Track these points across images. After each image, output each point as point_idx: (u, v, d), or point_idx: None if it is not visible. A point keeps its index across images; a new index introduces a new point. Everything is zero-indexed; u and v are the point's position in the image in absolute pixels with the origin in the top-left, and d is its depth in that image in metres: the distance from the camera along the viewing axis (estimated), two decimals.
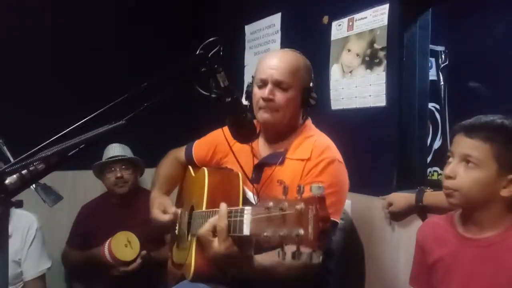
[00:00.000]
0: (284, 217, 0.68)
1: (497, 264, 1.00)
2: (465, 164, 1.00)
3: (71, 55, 2.16)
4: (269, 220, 0.71)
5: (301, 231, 0.63)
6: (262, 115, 1.27)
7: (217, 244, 0.93)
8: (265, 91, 1.26)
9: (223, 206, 0.95)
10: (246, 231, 0.81)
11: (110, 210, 2.06)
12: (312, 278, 1.17)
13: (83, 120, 0.84)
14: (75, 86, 2.12)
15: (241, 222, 0.82)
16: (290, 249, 0.66)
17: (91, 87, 2.08)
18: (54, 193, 0.72)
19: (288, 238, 0.65)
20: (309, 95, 1.29)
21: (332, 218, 1.18)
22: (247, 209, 0.82)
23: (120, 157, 2.03)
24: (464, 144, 1.01)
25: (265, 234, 0.71)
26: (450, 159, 1.04)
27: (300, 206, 0.65)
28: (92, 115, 0.84)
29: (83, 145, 0.77)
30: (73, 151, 0.75)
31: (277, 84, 1.26)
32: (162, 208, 1.37)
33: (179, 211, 1.38)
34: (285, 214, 0.67)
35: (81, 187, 2.23)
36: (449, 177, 1.02)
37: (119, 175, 2.00)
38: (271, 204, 0.71)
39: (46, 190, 0.70)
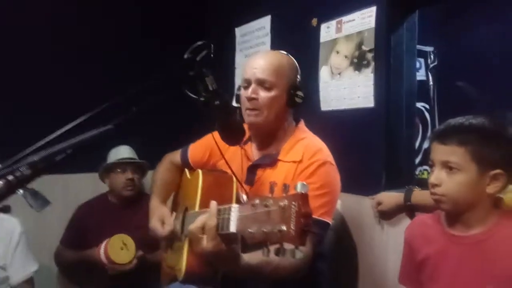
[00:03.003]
0: (268, 213, 0.69)
1: (484, 261, 1.02)
2: (447, 170, 1.03)
3: (59, 58, 2.15)
4: (254, 217, 0.73)
5: (284, 227, 0.65)
6: (248, 118, 1.28)
7: (205, 242, 0.94)
8: (249, 91, 1.27)
9: (213, 205, 0.96)
10: (233, 228, 0.82)
11: (108, 211, 2.06)
12: (304, 279, 1.18)
13: (72, 125, 0.85)
14: (63, 90, 2.10)
15: (228, 220, 0.84)
16: (274, 246, 0.68)
17: (80, 91, 2.07)
18: (41, 198, 0.73)
19: (271, 234, 0.67)
20: (294, 94, 1.29)
21: (324, 219, 1.20)
22: (235, 207, 0.84)
23: (134, 160, 2.05)
24: (441, 152, 1.04)
25: (249, 230, 0.73)
26: (433, 167, 1.07)
27: (284, 202, 0.66)
28: (80, 119, 0.85)
29: (70, 150, 0.77)
30: (61, 156, 0.76)
31: (260, 83, 1.27)
32: (161, 219, 1.37)
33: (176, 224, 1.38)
34: (270, 210, 0.69)
35: (72, 191, 2.22)
36: (435, 185, 1.05)
37: (130, 177, 2.02)
38: (257, 201, 0.73)
39: (33, 195, 0.71)
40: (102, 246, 1.86)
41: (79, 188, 2.22)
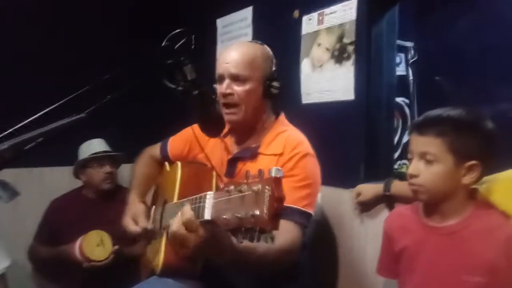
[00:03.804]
0: (242, 198, 0.69)
1: (459, 251, 1.04)
2: (425, 161, 1.04)
3: (31, 44, 2.08)
4: (229, 203, 0.72)
5: (257, 212, 0.64)
6: (226, 117, 1.25)
7: (191, 237, 0.90)
8: (223, 86, 1.25)
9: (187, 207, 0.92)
10: (207, 215, 0.81)
11: (84, 206, 2.01)
12: (285, 270, 1.18)
13: (42, 112, 0.82)
14: (34, 77, 2.04)
15: (203, 207, 0.82)
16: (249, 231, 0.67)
17: (52, 78, 2.01)
18: (10, 189, 0.69)
19: (245, 219, 0.66)
20: (270, 85, 1.27)
21: (307, 210, 1.20)
22: (209, 194, 0.82)
23: (111, 153, 2.01)
24: (419, 143, 1.05)
25: (224, 216, 0.71)
26: (411, 159, 1.08)
27: (257, 187, 0.66)
28: (52, 107, 0.81)
29: (41, 139, 0.74)
30: (30, 145, 0.73)
31: (234, 78, 1.25)
32: (134, 217, 1.35)
33: (149, 226, 1.34)
34: (243, 195, 0.68)
35: (47, 185, 2.17)
36: (413, 176, 1.06)
37: (109, 170, 1.98)
38: (231, 187, 0.72)
39: (1, 185, 0.68)
40: (77, 242, 1.81)
41: (55, 182, 2.17)
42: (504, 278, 1.00)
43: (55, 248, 1.92)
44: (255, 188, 0.67)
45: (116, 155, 2.04)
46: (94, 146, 2.02)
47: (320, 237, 1.54)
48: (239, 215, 0.68)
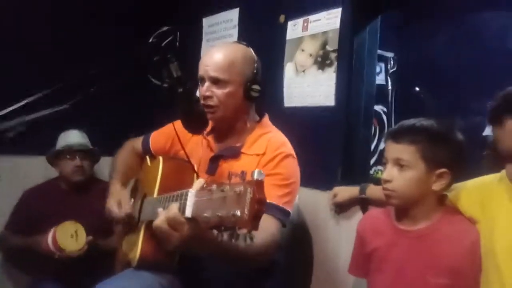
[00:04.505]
0: (224, 198, 0.71)
1: (427, 253, 1.09)
2: (398, 167, 1.09)
3: (18, 33, 2.05)
4: (210, 202, 0.74)
5: (238, 212, 0.66)
6: (207, 116, 1.26)
7: (175, 233, 0.92)
8: (203, 89, 1.27)
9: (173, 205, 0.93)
10: (188, 213, 0.82)
11: (58, 197, 1.99)
12: (260, 268, 1.20)
13: (25, 102, 0.82)
14: (20, 66, 2.01)
15: (185, 204, 0.84)
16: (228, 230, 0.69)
17: (37, 69, 1.98)
18: None
19: (225, 218, 0.68)
20: (250, 87, 1.28)
21: (287, 208, 1.23)
22: (192, 192, 0.84)
23: (81, 147, 1.98)
24: (394, 149, 1.11)
25: (204, 215, 0.73)
26: (386, 165, 1.13)
27: (239, 188, 0.68)
28: (35, 96, 0.82)
29: (22, 128, 0.74)
30: (12, 134, 0.73)
31: (214, 81, 1.26)
32: (119, 201, 1.34)
33: (133, 212, 1.35)
34: (225, 196, 0.70)
35: (20, 174, 2.12)
36: (386, 181, 1.11)
37: (78, 164, 1.96)
38: (214, 187, 0.74)
39: None
40: (50, 233, 1.78)
41: (29, 171, 2.12)
42: (466, 281, 1.06)
43: (27, 237, 1.89)
44: (237, 189, 0.69)
45: (88, 149, 2.01)
46: (68, 137, 2.00)
47: (296, 236, 1.57)
48: (219, 214, 0.70)
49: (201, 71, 1.28)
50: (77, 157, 1.96)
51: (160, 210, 0.95)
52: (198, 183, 0.86)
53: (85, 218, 1.81)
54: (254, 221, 0.67)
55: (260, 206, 0.67)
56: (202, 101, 1.26)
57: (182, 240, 0.90)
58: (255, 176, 0.68)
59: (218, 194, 0.72)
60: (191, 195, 0.83)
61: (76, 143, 1.98)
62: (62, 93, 0.88)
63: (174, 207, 0.89)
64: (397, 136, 1.11)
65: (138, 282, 1.09)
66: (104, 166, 2.02)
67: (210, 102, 1.26)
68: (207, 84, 1.27)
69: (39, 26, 2.10)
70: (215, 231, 0.72)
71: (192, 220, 0.83)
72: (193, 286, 1.25)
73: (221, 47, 1.33)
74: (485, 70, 2.08)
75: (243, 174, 0.71)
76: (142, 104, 2.14)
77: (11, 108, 0.79)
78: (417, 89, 2.51)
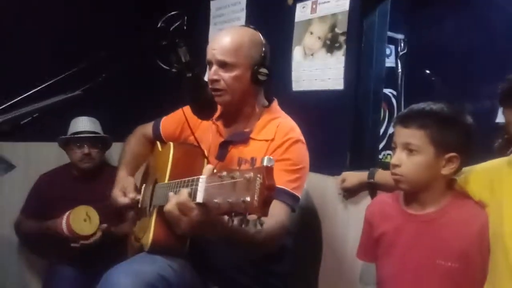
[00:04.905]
0: (234, 185, 0.71)
1: (435, 237, 1.10)
2: (407, 152, 1.09)
3: (27, 21, 2.05)
4: (221, 188, 0.75)
5: (248, 198, 0.67)
6: (215, 99, 1.26)
7: (185, 218, 0.93)
8: (211, 72, 1.27)
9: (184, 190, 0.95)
10: (200, 198, 0.84)
11: (71, 182, 2.02)
12: (270, 253, 1.22)
13: (37, 88, 0.83)
14: (31, 54, 2.01)
15: (196, 190, 0.85)
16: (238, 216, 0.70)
17: (49, 55, 2.00)
18: (5, 162, 0.70)
19: (235, 205, 0.69)
20: (257, 71, 1.27)
21: (296, 193, 1.24)
22: (202, 178, 0.85)
23: (89, 135, 1.98)
24: (403, 134, 1.10)
25: (215, 200, 0.74)
26: (395, 149, 1.12)
27: (249, 175, 0.68)
28: (48, 83, 0.82)
29: (36, 114, 0.76)
30: (26, 120, 0.74)
31: (221, 65, 1.26)
32: (123, 190, 1.37)
33: (138, 196, 1.38)
34: (235, 182, 0.71)
35: (33, 159, 2.15)
36: (395, 166, 1.10)
37: (86, 151, 1.96)
38: (224, 173, 0.75)
39: None
40: (65, 217, 1.82)
41: (42, 157, 2.15)
42: (475, 264, 1.06)
43: (42, 222, 1.93)
44: (247, 175, 0.69)
45: (97, 136, 2.01)
46: (77, 125, 2.01)
47: (305, 221, 1.59)
48: (230, 200, 0.71)
49: (209, 55, 1.28)
50: (85, 145, 1.97)
51: (171, 194, 0.97)
52: (208, 169, 0.87)
53: (97, 204, 1.84)
54: (264, 207, 0.68)
55: (269, 192, 0.68)
56: (210, 85, 1.26)
57: (191, 224, 0.92)
58: (265, 163, 0.69)
59: (229, 180, 0.73)
60: (202, 180, 0.84)
61: (83, 131, 1.98)
62: (74, 79, 0.89)
63: (184, 192, 0.90)
64: (406, 120, 1.10)
65: (150, 266, 1.12)
66: (116, 152, 2.04)
67: (217, 86, 1.26)
68: (214, 67, 1.27)
69: (50, 14, 2.10)
70: (225, 217, 0.73)
71: (202, 205, 0.84)
72: (204, 271, 1.28)
73: (228, 31, 1.32)
74: (496, 54, 2.04)
75: (253, 160, 0.71)
76: (153, 89, 2.14)
77: (23, 95, 0.80)
78: (427, 72, 2.47)
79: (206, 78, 1.30)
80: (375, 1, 1.62)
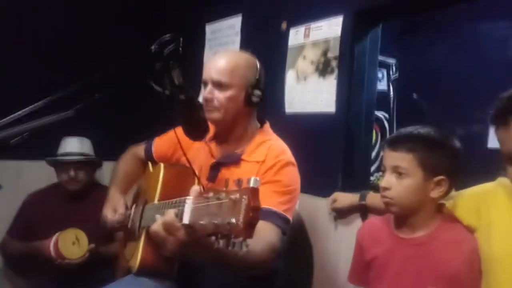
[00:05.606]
0: (220, 206, 0.71)
1: (426, 261, 1.09)
2: (396, 175, 1.10)
3: (23, 40, 2.08)
4: (207, 209, 0.74)
5: (233, 220, 0.67)
6: (207, 115, 1.28)
7: (171, 239, 0.93)
8: (206, 91, 1.29)
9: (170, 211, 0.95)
10: (186, 219, 0.83)
11: (60, 202, 1.99)
12: (260, 276, 1.20)
13: (30, 109, 0.83)
14: (24, 73, 2.03)
15: (182, 211, 0.85)
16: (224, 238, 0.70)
17: (41, 75, 2.01)
18: None
19: (221, 226, 0.69)
20: (251, 93, 1.30)
21: (287, 215, 1.24)
22: (189, 199, 0.85)
23: (75, 157, 1.97)
24: (392, 157, 1.12)
25: (201, 222, 0.74)
26: (384, 173, 1.13)
27: (235, 196, 0.68)
28: (39, 103, 0.83)
29: (26, 134, 0.76)
30: (16, 139, 0.74)
31: (216, 84, 1.28)
32: (114, 207, 1.37)
33: (128, 212, 1.37)
34: (221, 203, 0.71)
35: (24, 179, 2.14)
36: (385, 189, 1.11)
37: (72, 175, 1.94)
38: (211, 194, 0.75)
39: None
40: (53, 240, 1.79)
41: (31, 176, 2.14)
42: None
43: (29, 243, 1.90)
44: (232, 196, 0.69)
45: (83, 159, 1.99)
46: (65, 146, 2.00)
47: (296, 242, 1.58)
48: (215, 222, 0.71)
49: (205, 75, 1.31)
50: (71, 168, 1.95)
51: (157, 216, 0.97)
52: (194, 190, 0.87)
53: (86, 224, 1.82)
54: (248, 229, 0.68)
55: (255, 214, 0.68)
56: (204, 104, 1.28)
57: (178, 245, 0.91)
58: (251, 184, 0.69)
59: (214, 201, 0.73)
60: (189, 202, 0.84)
61: (70, 152, 1.97)
62: (66, 99, 0.90)
63: (171, 212, 0.90)
64: (394, 144, 1.12)
65: None
66: (108, 171, 2.03)
67: (211, 106, 1.28)
68: (209, 87, 1.29)
69: (43, 34, 2.14)
70: (212, 238, 0.73)
71: (189, 226, 0.84)
72: None
73: (225, 53, 1.37)
74: (486, 78, 2.09)
75: (239, 181, 0.72)
76: (145, 110, 2.16)
77: (15, 115, 0.80)
78: (415, 96, 2.52)
79: (200, 98, 1.32)
80: (366, 27, 1.67)
